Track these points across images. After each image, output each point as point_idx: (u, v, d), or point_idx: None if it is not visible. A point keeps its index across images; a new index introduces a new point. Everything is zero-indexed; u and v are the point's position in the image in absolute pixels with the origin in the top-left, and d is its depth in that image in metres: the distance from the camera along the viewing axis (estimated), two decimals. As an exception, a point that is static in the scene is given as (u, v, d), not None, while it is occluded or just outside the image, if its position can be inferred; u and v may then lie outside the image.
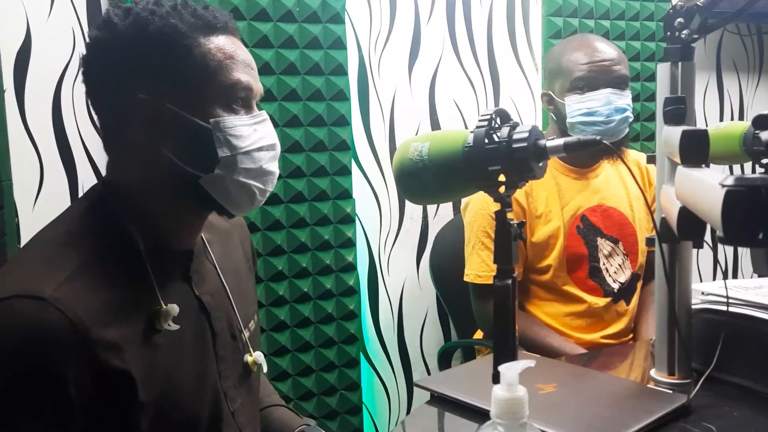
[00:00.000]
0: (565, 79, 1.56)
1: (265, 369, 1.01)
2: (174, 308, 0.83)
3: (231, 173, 0.84)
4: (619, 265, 1.62)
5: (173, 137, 0.83)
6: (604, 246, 1.60)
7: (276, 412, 1.12)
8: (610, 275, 1.61)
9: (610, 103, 1.51)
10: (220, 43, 0.84)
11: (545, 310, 1.60)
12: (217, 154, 0.83)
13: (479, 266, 1.58)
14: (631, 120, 1.56)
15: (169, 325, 0.83)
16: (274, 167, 0.89)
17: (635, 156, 1.72)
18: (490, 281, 1.56)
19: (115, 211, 0.84)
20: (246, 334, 0.99)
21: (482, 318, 1.64)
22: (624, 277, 1.62)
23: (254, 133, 0.86)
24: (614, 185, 1.65)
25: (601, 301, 1.59)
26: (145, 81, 0.82)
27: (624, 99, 1.54)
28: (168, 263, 0.87)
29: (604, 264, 1.60)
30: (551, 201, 1.58)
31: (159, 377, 0.81)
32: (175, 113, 0.82)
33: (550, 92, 1.61)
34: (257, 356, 0.99)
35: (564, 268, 1.58)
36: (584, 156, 1.61)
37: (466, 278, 1.61)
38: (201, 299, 0.90)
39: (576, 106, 1.53)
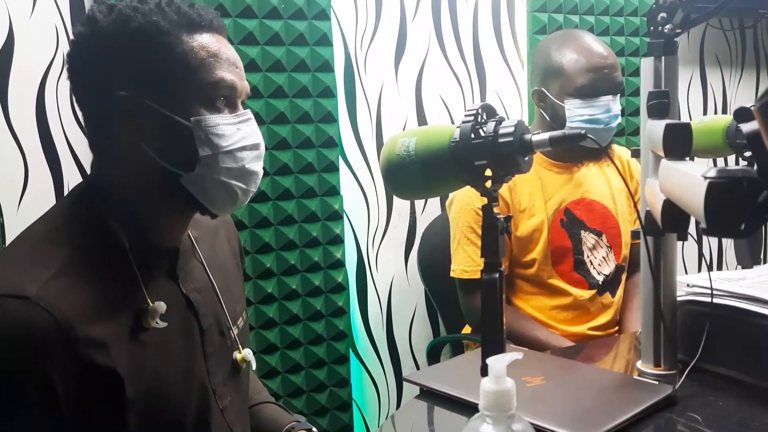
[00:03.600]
0: (566, 83, 1.55)
1: (254, 366, 1.01)
2: (161, 305, 0.83)
3: (212, 172, 0.84)
4: (603, 257, 1.64)
5: (154, 135, 0.82)
6: (588, 239, 1.62)
7: (266, 409, 1.12)
8: (594, 268, 1.62)
9: (610, 111, 1.54)
10: (204, 41, 0.83)
11: (532, 304, 1.62)
12: (197, 152, 0.82)
13: (465, 261, 1.59)
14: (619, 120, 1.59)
15: (156, 322, 0.83)
16: (257, 167, 0.89)
17: (618, 150, 1.75)
18: (477, 276, 1.57)
19: (99, 209, 0.84)
20: (234, 331, 0.98)
21: (470, 313, 1.64)
22: (608, 269, 1.64)
23: (237, 132, 0.85)
24: (596, 179, 1.66)
25: (586, 294, 1.60)
26: (126, 78, 0.81)
27: (617, 104, 1.56)
28: (154, 261, 0.87)
29: (588, 257, 1.61)
30: (534, 195, 1.59)
31: (146, 374, 0.81)
32: (155, 111, 0.81)
33: (545, 90, 1.59)
34: (246, 353, 0.99)
35: (549, 261, 1.59)
36: (567, 154, 1.62)
37: (452, 274, 1.62)
38: (188, 297, 0.90)
39: (578, 112, 1.53)
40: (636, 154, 1.08)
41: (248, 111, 0.88)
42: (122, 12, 0.81)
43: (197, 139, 0.82)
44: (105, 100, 0.82)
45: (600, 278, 1.62)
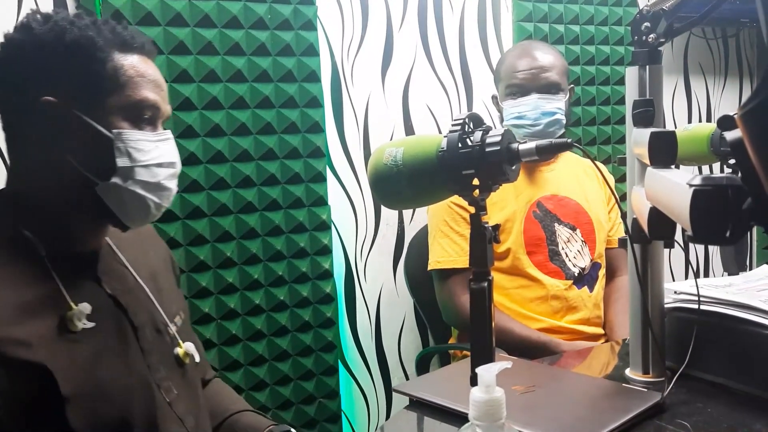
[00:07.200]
0: (503, 85, 1.70)
1: (197, 359, 1.04)
2: (86, 307, 0.85)
3: (127, 183, 0.88)
4: (578, 251, 1.67)
5: (76, 142, 0.86)
6: (563, 232, 1.66)
7: (244, 417, 1.14)
8: (569, 260, 1.65)
9: (538, 108, 1.63)
10: (134, 61, 0.89)
11: (512, 298, 1.63)
12: (116, 163, 0.86)
13: (439, 253, 1.63)
14: (563, 122, 1.66)
15: (84, 323, 0.85)
16: (171, 184, 0.94)
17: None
18: (449, 265, 1.60)
19: (12, 217, 0.87)
20: (173, 327, 1.02)
21: (444, 304, 1.65)
22: (584, 262, 1.67)
23: (155, 149, 0.90)
24: (566, 178, 1.72)
25: (563, 284, 1.63)
26: (56, 86, 0.85)
27: (553, 103, 1.64)
28: (74, 265, 0.89)
29: (563, 248, 1.65)
30: (506, 191, 1.63)
31: (80, 371, 0.83)
32: (79, 119, 0.85)
33: (497, 95, 1.76)
34: (187, 347, 1.02)
35: (523, 249, 1.62)
36: None
37: (429, 267, 1.66)
38: (114, 297, 0.93)
39: (510, 110, 1.67)
40: (623, 162, 1.09)
41: (168, 131, 0.94)
42: (58, 23, 0.85)
43: (116, 149, 0.86)
44: (31, 105, 0.85)
45: (576, 270, 1.65)
